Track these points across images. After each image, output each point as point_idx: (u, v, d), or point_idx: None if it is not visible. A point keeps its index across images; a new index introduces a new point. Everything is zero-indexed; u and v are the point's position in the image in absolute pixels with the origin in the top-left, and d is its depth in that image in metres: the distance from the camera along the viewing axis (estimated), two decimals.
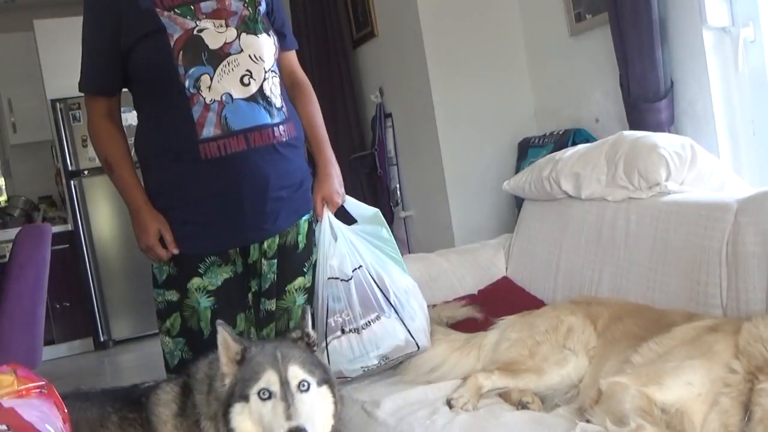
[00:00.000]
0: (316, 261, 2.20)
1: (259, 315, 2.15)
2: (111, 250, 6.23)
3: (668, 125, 2.75)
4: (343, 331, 2.16)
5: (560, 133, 3.29)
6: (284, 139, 2.04)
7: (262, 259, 2.09)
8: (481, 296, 2.83)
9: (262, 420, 1.56)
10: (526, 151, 3.41)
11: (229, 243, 2.05)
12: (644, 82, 2.76)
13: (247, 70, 1.97)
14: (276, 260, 2.10)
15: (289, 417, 1.52)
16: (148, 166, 2.09)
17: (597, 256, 2.56)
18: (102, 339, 6.25)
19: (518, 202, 3.15)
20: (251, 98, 1.98)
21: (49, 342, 5.41)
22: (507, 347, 2.22)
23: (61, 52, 6.31)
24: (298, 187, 2.12)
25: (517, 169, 3.37)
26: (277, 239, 2.09)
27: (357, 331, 2.14)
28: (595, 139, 3.02)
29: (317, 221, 2.22)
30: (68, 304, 6.12)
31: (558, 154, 2.84)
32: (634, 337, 2.01)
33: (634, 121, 2.83)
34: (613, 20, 2.84)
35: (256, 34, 2.01)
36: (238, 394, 1.59)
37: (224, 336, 1.64)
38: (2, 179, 7.21)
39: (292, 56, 2.27)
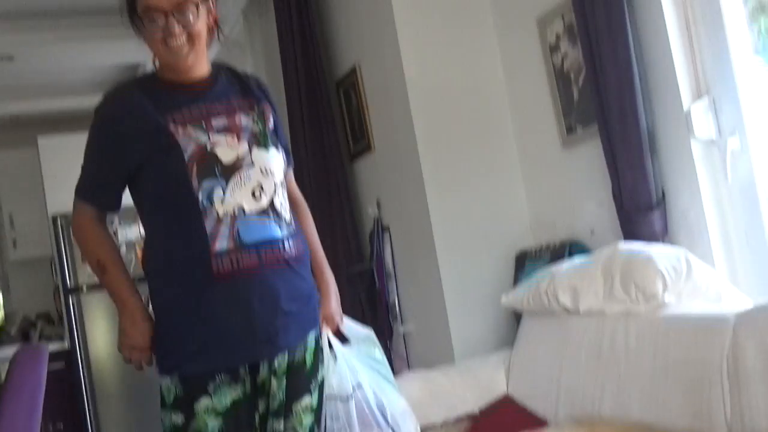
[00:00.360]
0: (323, 380, 2.17)
1: None
2: (107, 370, 6.16)
3: (662, 235, 2.77)
4: None
5: (556, 245, 3.30)
6: (293, 254, 2.05)
7: (272, 378, 2.05)
8: (483, 417, 2.80)
9: None
10: (524, 263, 3.42)
11: (240, 359, 2.02)
12: (636, 193, 2.79)
13: (259, 184, 2.00)
14: (285, 379, 2.07)
15: None
16: (158, 281, 2.07)
17: (598, 372, 2.54)
18: None
19: (517, 316, 3.14)
20: (263, 212, 2.01)
21: None
22: None
23: (63, 168, 6.39)
24: (307, 301, 2.12)
25: (515, 282, 3.37)
26: (286, 357, 2.06)
27: None
28: (591, 251, 3.03)
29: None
30: (61, 425, 6.02)
31: (555, 268, 2.87)
32: None
33: (628, 231, 2.84)
34: (603, 132, 2.89)
35: (266, 149, 2.06)
36: None
37: None
38: (1, 295, 7.22)
39: (290, 174, 2.29)
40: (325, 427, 2.15)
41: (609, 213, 3.01)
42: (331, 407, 2.15)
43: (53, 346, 5.70)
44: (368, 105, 4.01)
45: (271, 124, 2.13)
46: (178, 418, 1.98)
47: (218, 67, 2.18)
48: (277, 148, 2.10)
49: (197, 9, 1.98)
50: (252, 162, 2.01)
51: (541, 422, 2.61)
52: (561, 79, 3.29)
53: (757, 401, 2.01)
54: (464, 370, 3.04)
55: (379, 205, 4.00)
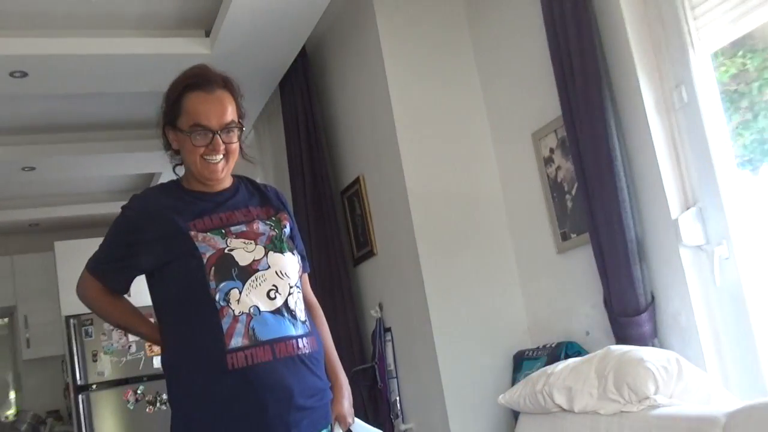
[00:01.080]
0: None
1: None
2: None
3: (651, 338, 2.76)
4: None
5: (552, 346, 3.28)
6: (307, 351, 2.05)
7: None
8: None
9: None
10: (521, 363, 3.39)
11: None
12: (624, 298, 2.80)
13: (273, 285, 2.02)
14: None
15: None
16: (177, 377, 2.07)
17: None
18: None
19: (515, 415, 3.09)
20: (277, 311, 2.01)
21: None
22: None
23: (77, 271, 6.45)
24: (321, 398, 2.10)
25: (513, 382, 3.33)
26: None
27: None
28: (586, 352, 3.02)
29: None
30: None
31: (550, 368, 2.84)
32: None
33: (618, 334, 2.84)
34: (594, 241, 2.92)
35: (282, 253, 2.09)
36: None
37: None
38: (13, 393, 7.13)
39: (305, 279, 2.29)
40: None
41: (603, 316, 3.01)
42: None
43: None
44: (371, 212, 4.06)
45: (287, 230, 2.17)
46: None
47: (239, 179, 2.24)
48: (293, 252, 2.13)
49: (238, 131, 2.10)
50: (268, 265, 2.04)
51: None
52: (555, 189, 3.34)
53: None
54: None
55: (381, 307, 4.00)
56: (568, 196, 3.27)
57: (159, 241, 2.04)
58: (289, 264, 2.09)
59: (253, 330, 1.97)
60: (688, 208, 2.77)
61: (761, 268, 2.64)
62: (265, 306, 2.00)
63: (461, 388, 3.48)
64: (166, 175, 6.35)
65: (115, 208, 6.84)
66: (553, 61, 3.06)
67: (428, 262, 3.60)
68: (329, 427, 2.14)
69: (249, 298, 1.98)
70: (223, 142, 2.05)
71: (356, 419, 2.26)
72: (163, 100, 2.16)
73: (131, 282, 2.15)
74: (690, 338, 2.72)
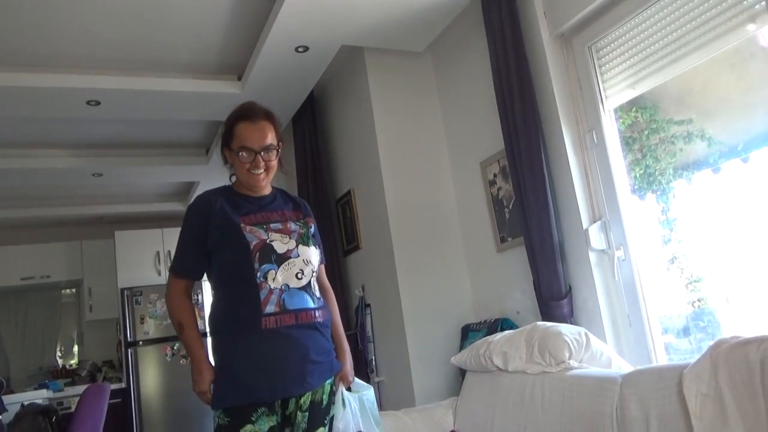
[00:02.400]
0: (332, 417, 2.13)
1: None
2: (153, 402, 5.95)
3: (569, 317, 2.76)
4: None
5: (492, 321, 3.27)
6: (320, 320, 2.07)
7: (297, 412, 2.03)
8: None
9: None
10: (467, 333, 3.38)
11: (280, 394, 1.99)
12: (549, 286, 2.80)
13: (300, 270, 2.04)
14: (308, 413, 2.04)
15: None
16: (219, 332, 2.05)
17: (521, 416, 2.49)
18: None
19: (462, 372, 3.08)
20: (302, 288, 2.04)
21: None
22: None
23: (132, 255, 6.41)
24: (327, 355, 2.10)
25: (461, 347, 3.31)
26: (310, 396, 2.04)
27: None
28: (517, 327, 3.01)
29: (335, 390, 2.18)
30: None
31: (490, 338, 2.84)
32: None
33: (544, 313, 2.83)
34: (527, 243, 2.92)
35: (308, 246, 2.10)
36: None
37: None
38: (76, 346, 7.00)
39: (322, 269, 2.29)
40: None
41: (530, 299, 3.01)
42: None
43: (114, 386, 5.50)
44: (359, 217, 4.03)
45: (312, 230, 2.18)
46: None
47: (277, 189, 2.25)
48: (316, 247, 2.15)
49: (275, 152, 2.12)
50: (298, 254, 2.05)
51: None
52: (497, 204, 3.34)
53: None
54: (422, 412, 2.95)
55: (363, 288, 3.97)
56: (506, 210, 3.27)
57: (217, 229, 2.04)
58: (313, 255, 2.11)
59: (284, 301, 1.99)
60: (595, 221, 2.78)
61: (648, 267, 2.66)
62: (293, 284, 2.02)
63: (422, 351, 3.46)
64: (204, 184, 6.36)
65: (161, 206, 6.84)
66: (499, 109, 3.07)
67: (400, 255, 3.58)
68: (333, 378, 2.14)
69: (282, 277, 2.00)
70: (263, 160, 2.09)
71: (355, 378, 2.27)
72: (222, 127, 2.19)
73: (204, 269, 2.11)
74: (595, 319, 2.72)
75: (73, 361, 6.89)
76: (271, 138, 2.11)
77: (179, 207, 6.94)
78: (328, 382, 2.11)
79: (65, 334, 7.01)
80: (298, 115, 4.58)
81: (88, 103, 4.03)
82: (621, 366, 2.43)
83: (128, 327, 6.07)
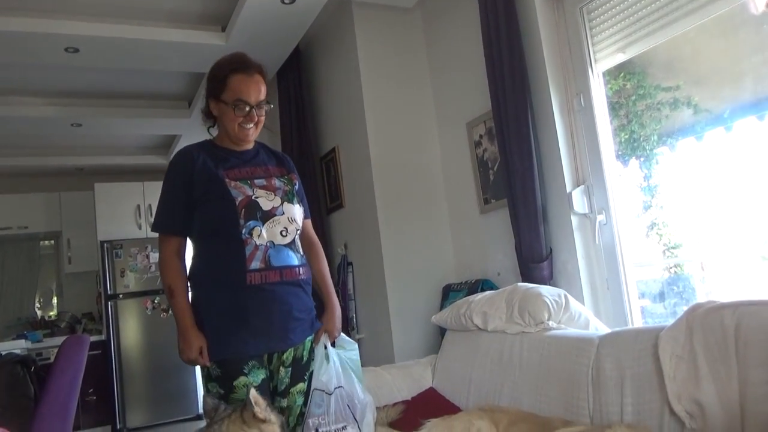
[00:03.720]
0: (312, 371, 2.13)
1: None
2: (133, 355, 5.96)
3: (549, 279, 2.79)
4: (316, 431, 2.06)
5: (473, 281, 3.30)
6: (303, 278, 2.06)
7: (281, 367, 2.04)
8: (413, 402, 2.74)
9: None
10: (448, 293, 3.41)
11: (264, 349, 2.00)
12: (531, 249, 2.82)
13: (285, 227, 2.02)
14: (290, 368, 2.06)
15: None
16: (202, 287, 2.03)
17: (499, 374, 2.52)
18: (119, 426, 5.86)
19: (442, 331, 3.11)
20: (287, 246, 2.02)
21: (76, 427, 5.03)
22: None
23: (112, 208, 6.33)
24: (309, 312, 2.10)
25: (442, 307, 3.35)
26: (292, 351, 2.05)
27: None
28: (497, 287, 3.03)
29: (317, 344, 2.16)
30: (94, 397, 5.76)
31: (471, 297, 2.86)
32: None
33: (525, 275, 2.86)
34: (510, 205, 2.92)
35: (292, 203, 2.07)
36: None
37: (255, 393, 1.62)
38: (55, 298, 6.96)
39: (308, 223, 2.27)
40: (310, 410, 2.08)
41: (511, 261, 3.03)
42: (318, 397, 2.09)
43: (93, 338, 5.49)
44: (343, 175, 4.01)
45: (296, 187, 2.15)
46: (219, 390, 1.96)
47: (259, 144, 2.21)
48: (300, 204, 2.12)
49: (267, 106, 2.09)
50: (283, 212, 2.03)
51: (456, 408, 2.57)
52: (481, 165, 3.33)
53: (611, 399, 2.02)
54: (401, 368, 2.98)
55: (346, 246, 3.98)
56: (491, 171, 3.26)
57: (201, 184, 2.01)
58: (297, 213, 2.09)
59: (269, 257, 1.98)
60: (578, 185, 2.78)
61: (628, 232, 2.69)
62: (278, 241, 2.00)
63: (403, 310, 3.49)
64: (186, 137, 6.23)
65: (142, 159, 6.72)
66: (487, 70, 3.03)
67: (383, 214, 3.58)
68: (314, 334, 2.13)
69: (267, 234, 1.98)
70: (256, 115, 2.06)
71: (342, 334, 2.25)
72: (208, 77, 2.11)
73: (189, 223, 2.04)
74: (574, 281, 2.75)
75: (52, 313, 6.85)
76: (263, 93, 2.08)
77: (161, 160, 6.84)
78: (308, 338, 2.11)
79: (44, 286, 6.96)
80: (283, 70, 4.49)
81: (66, 50, 3.90)
82: (598, 328, 2.46)
83: (108, 280, 6.03)
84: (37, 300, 6.90)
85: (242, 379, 1.95)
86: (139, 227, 6.38)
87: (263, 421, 1.55)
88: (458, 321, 2.82)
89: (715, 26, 2.42)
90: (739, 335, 1.70)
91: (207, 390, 2.00)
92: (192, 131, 5.73)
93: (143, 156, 6.79)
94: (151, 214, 6.43)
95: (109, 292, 6.01)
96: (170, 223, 2.06)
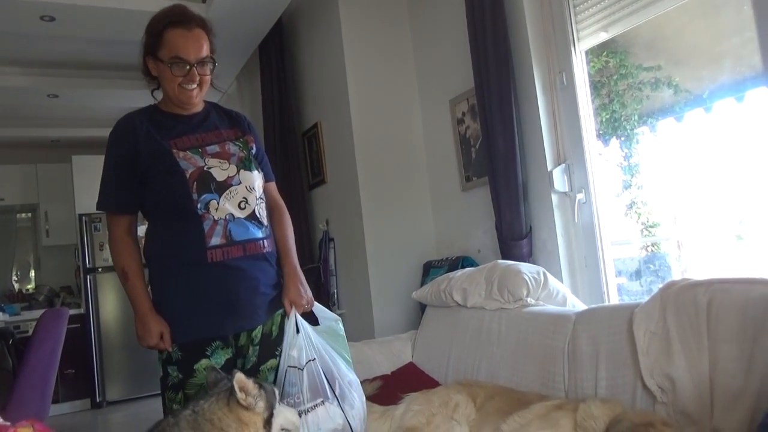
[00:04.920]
0: (281, 348, 1.99)
1: None
2: (112, 329, 5.96)
3: (528, 257, 2.81)
4: None
5: (453, 258, 3.32)
6: (268, 250, 1.94)
7: (249, 345, 1.92)
8: (393, 376, 2.77)
9: (287, 417, 1.55)
10: (429, 270, 3.42)
11: (229, 329, 1.87)
12: (511, 226, 2.84)
13: (244, 198, 1.88)
14: (258, 346, 1.93)
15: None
16: (159, 267, 1.89)
17: (477, 349, 2.56)
18: (98, 400, 5.87)
19: (422, 307, 3.14)
20: (247, 218, 1.88)
21: (54, 401, 5.03)
22: (410, 416, 2.17)
23: (90, 180, 6.18)
24: (275, 286, 1.98)
25: (422, 283, 3.37)
26: (261, 328, 1.93)
27: (303, 413, 1.87)
28: (477, 264, 3.06)
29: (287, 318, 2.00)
30: (73, 371, 5.75)
31: (451, 274, 2.88)
32: (503, 412, 2.00)
33: (504, 252, 2.88)
34: (491, 183, 2.93)
35: (250, 171, 1.92)
36: (273, 406, 1.52)
37: (242, 377, 1.48)
38: (33, 271, 6.90)
39: (272, 186, 2.13)
40: (283, 390, 1.92)
41: (492, 238, 3.05)
42: (291, 375, 1.93)
43: (72, 311, 5.46)
44: (325, 150, 3.99)
45: (252, 150, 1.99)
46: (178, 375, 1.85)
47: (210, 104, 2.05)
48: (258, 170, 1.97)
49: (211, 65, 1.91)
50: (240, 181, 1.88)
51: (435, 383, 2.61)
52: (464, 143, 3.34)
53: (586, 375, 2.06)
54: (381, 344, 3.01)
55: (328, 222, 3.98)
56: (473, 149, 3.27)
57: (146, 156, 1.84)
58: (256, 180, 1.93)
59: (230, 232, 1.85)
60: (559, 164, 2.79)
61: (607, 211, 2.72)
62: (238, 213, 1.86)
63: (383, 286, 3.51)
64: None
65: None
66: (471, 47, 3.01)
67: (365, 190, 3.58)
68: (282, 309, 1.99)
69: (225, 207, 1.84)
70: (198, 74, 1.87)
71: (317, 304, 2.08)
72: (144, 33, 1.90)
73: (138, 198, 1.89)
74: (553, 259, 2.78)
75: (30, 286, 6.79)
76: (206, 49, 1.88)
77: None
78: (278, 313, 1.98)
79: (21, 259, 6.89)
80: (265, 43, 4.44)
81: (41, 18, 3.81)
82: (575, 304, 2.50)
83: (87, 253, 5.99)
84: (14, 273, 6.83)
85: (204, 362, 1.83)
86: None
87: (246, 408, 1.46)
88: (438, 297, 2.85)
89: (697, 6, 2.43)
90: (711, 312, 1.74)
91: (166, 374, 1.87)
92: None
93: None
94: None
95: (87, 266, 5.97)
96: (115, 201, 1.90)
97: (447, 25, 3.42)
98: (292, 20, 4.37)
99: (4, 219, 6.79)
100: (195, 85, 1.88)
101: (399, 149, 3.67)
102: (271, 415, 1.50)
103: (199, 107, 1.98)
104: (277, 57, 4.31)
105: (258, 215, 1.91)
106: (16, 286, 6.75)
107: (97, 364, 5.85)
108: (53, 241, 6.48)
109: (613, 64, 2.84)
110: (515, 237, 2.82)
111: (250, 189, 1.90)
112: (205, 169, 1.84)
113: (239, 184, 1.88)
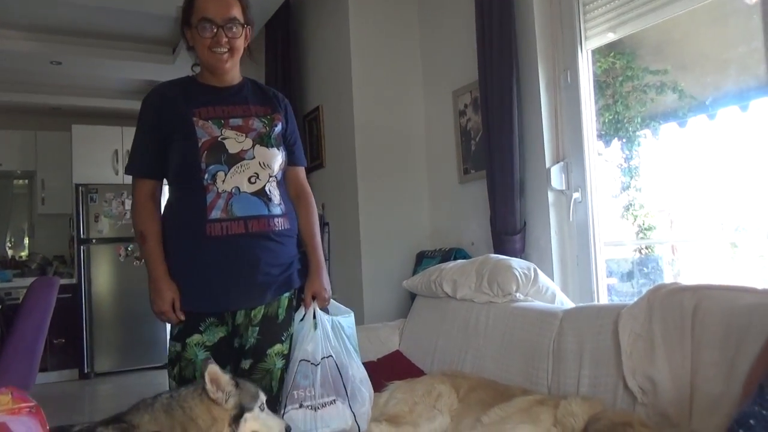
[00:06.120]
0: (293, 333, 1.96)
1: (238, 371, 1.89)
2: (104, 301, 5.97)
3: (520, 252, 2.83)
4: (300, 405, 1.89)
5: (446, 249, 3.33)
6: (278, 229, 1.87)
7: (249, 326, 1.89)
8: (379, 363, 2.79)
9: (266, 423, 1.52)
10: (422, 260, 3.44)
11: (224, 306, 1.85)
12: (505, 221, 2.85)
13: (255, 173, 1.84)
14: (258, 327, 1.89)
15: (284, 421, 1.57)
16: (168, 236, 1.88)
17: (464, 341, 2.58)
18: (86, 371, 5.90)
19: (412, 296, 3.16)
20: (255, 193, 1.84)
21: (42, 369, 5.08)
22: (394, 404, 2.19)
23: (89, 150, 6.25)
24: (286, 268, 1.92)
25: (414, 272, 3.38)
26: (262, 309, 1.89)
27: (314, 408, 1.88)
28: (470, 257, 3.07)
29: (303, 308, 1.98)
30: (63, 340, 5.78)
31: (443, 265, 2.89)
32: (485, 404, 2.01)
33: (497, 246, 2.89)
34: (489, 177, 2.94)
35: (268, 147, 1.88)
36: (246, 407, 1.49)
37: (215, 370, 1.47)
38: (27, 239, 6.90)
39: (300, 171, 2.08)
40: (294, 381, 1.91)
41: (486, 232, 3.05)
42: (304, 367, 1.92)
43: (64, 281, 5.48)
44: (325, 134, 3.99)
45: (278, 129, 1.94)
46: (177, 347, 1.86)
47: (248, 80, 2.02)
48: (278, 148, 1.92)
49: (241, 28, 1.88)
50: (253, 156, 1.85)
51: (420, 372, 2.63)
52: (464, 135, 3.34)
53: (569, 372, 2.09)
54: (370, 330, 3.03)
55: (323, 207, 3.98)
56: (473, 142, 3.27)
57: (168, 122, 1.85)
58: (273, 158, 1.89)
59: (231, 206, 1.82)
60: (558, 162, 2.80)
61: (603, 211, 2.73)
62: (245, 188, 1.83)
63: (375, 273, 3.53)
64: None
65: (122, 104, 6.59)
66: (477, 39, 3.01)
67: (363, 177, 3.58)
68: (294, 290, 1.98)
69: (233, 180, 1.82)
70: (226, 36, 1.85)
71: (333, 300, 2.07)
72: (182, 5, 1.93)
73: (161, 164, 1.90)
74: (545, 256, 2.79)
75: (24, 253, 6.80)
76: (236, 11, 1.87)
77: None
78: (285, 295, 1.95)
79: (16, 225, 6.89)
80: (271, 23, 4.42)
81: None
82: (564, 302, 2.52)
83: (81, 224, 5.99)
84: (8, 239, 6.84)
85: (195, 337, 1.83)
86: (116, 172, 6.32)
87: (213, 401, 1.44)
88: (428, 287, 2.86)
89: (706, 13, 2.43)
90: (696, 317, 1.76)
91: (169, 350, 1.89)
92: (175, 78, 5.63)
93: (124, 100, 6.67)
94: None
95: (82, 236, 5.98)
96: (139, 165, 1.91)
97: (455, 15, 3.41)
98: (300, 4, 4.35)
99: (2, 184, 6.78)
100: (225, 50, 1.86)
101: (399, 137, 3.67)
102: (239, 415, 1.47)
103: (234, 80, 1.96)
104: (283, 37, 4.30)
105: (267, 192, 1.87)
106: (10, 252, 6.76)
107: (87, 334, 5.88)
108: (48, 209, 6.48)
109: (620, 65, 2.84)
110: (509, 232, 2.83)
111: (264, 165, 1.87)
112: (219, 139, 1.82)
113: (252, 158, 1.85)
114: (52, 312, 3.96)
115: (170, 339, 1.90)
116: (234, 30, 1.86)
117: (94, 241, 6.00)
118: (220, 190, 1.82)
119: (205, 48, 1.86)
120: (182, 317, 1.83)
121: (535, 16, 2.84)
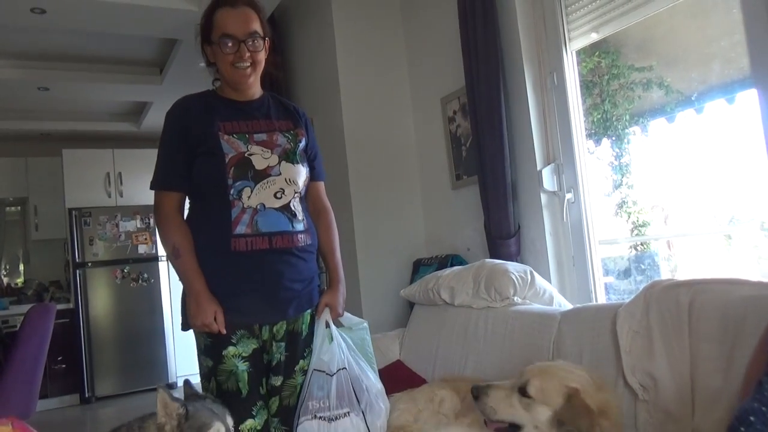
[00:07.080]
0: (311, 348, 1.98)
1: (267, 387, 1.90)
2: (102, 324, 5.95)
3: (516, 256, 2.84)
4: (314, 416, 1.89)
5: (442, 256, 3.34)
6: (301, 245, 1.88)
7: (272, 340, 1.90)
8: (381, 374, 2.76)
9: None
10: (419, 268, 3.44)
11: (247, 320, 1.85)
12: (499, 225, 2.85)
13: (281, 189, 1.85)
14: (284, 343, 1.91)
15: None
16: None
17: (464, 347, 2.58)
18: (87, 395, 5.88)
19: (411, 305, 3.15)
20: (280, 209, 1.85)
21: (43, 396, 5.05)
22: (397, 416, 2.17)
23: (81, 175, 6.26)
24: (308, 283, 1.94)
25: (411, 281, 3.38)
26: (285, 325, 1.90)
27: (328, 420, 1.87)
28: (467, 263, 3.07)
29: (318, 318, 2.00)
30: (63, 366, 5.76)
31: (439, 272, 2.89)
32: None
33: (493, 251, 2.90)
34: (480, 181, 2.95)
35: (293, 164, 1.89)
36: None
37: (164, 396, 1.44)
38: (22, 265, 6.89)
39: (319, 186, 2.08)
40: (309, 392, 1.92)
41: (481, 237, 3.06)
42: (319, 378, 1.92)
43: (61, 306, 5.48)
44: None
45: (302, 145, 1.95)
46: (209, 362, 1.84)
47: (269, 94, 2.03)
48: (303, 164, 1.93)
49: (262, 41, 1.88)
50: (280, 172, 1.86)
51: (422, 380, 2.62)
52: (454, 141, 3.35)
53: None
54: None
55: None
56: (463, 148, 3.28)
57: (195, 136, 1.84)
58: (298, 174, 1.90)
59: (257, 222, 1.82)
60: (549, 164, 2.81)
61: (596, 210, 2.74)
62: (270, 203, 1.84)
63: (373, 283, 3.52)
64: (157, 105, 6.12)
65: (112, 126, 6.60)
66: (462, 46, 3.03)
67: (356, 187, 3.58)
68: (314, 308, 1.99)
69: (258, 196, 1.82)
70: (249, 50, 1.84)
71: (346, 313, 2.09)
72: (200, 22, 1.93)
73: (188, 179, 1.87)
74: (541, 258, 2.80)
75: (19, 280, 6.79)
76: (256, 25, 1.86)
77: (131, 128, 6.74)
78: (308, 312, 1.96)
79: (10, 253, 6.88)
80: None
81: (32, 10, 3.80)
82: (562, 304, 2.52)
83: (76, 248, 5.98)
84: (2, 267, 6.82)
85: (231, 349, 1.82)
86: (109, 195, 6.32)
87: (162, 427, 1.41)
88: (426, 295, 2.86)
89: (687, 8, 2.46)
90: (693, 312, 1.77)
91: (200, 365, 1.87)
92: (163, 98, 5.65)
93: (113, 123, 6.70)
94: (122, 182, 6.36)
95: (77, 260, 5.96)
96: (168, 178, 1.88)
97: (439, 23, 3.43)
98: (285, 17, 4.37)
99: None
100: (247, 64, 1.86)
101: (390, 147, 3.68)
102: None
103: (255, 94, 1.97)
104: (269, 54, 4.31)
105: (292, 208, 1.88)
106: (5, 280, 6.74)
107: (86, 358, 5.85)
108: (42, 235, 6.47)
109: (605, 64, 2.86)
110: (503, 236, 2.84)
111: (290, 181, 1.87)
112: (246, 155, 1.82)
113: (279, 175, 1.86)
114: (49, 339, 3.96)
115: (199, 354, 1.88)
116: (255, 44, 1.86)
117: (89, 264, 5.98)
118: (245, 206, 1.82)
119: (228, 64, 1.86)
120: (223, 330, 1.81)
121: (519, 20, 2.86)
